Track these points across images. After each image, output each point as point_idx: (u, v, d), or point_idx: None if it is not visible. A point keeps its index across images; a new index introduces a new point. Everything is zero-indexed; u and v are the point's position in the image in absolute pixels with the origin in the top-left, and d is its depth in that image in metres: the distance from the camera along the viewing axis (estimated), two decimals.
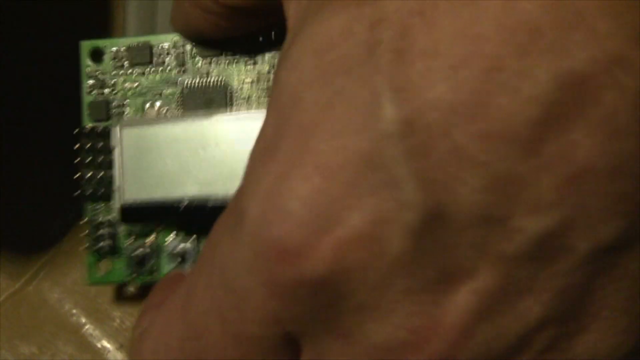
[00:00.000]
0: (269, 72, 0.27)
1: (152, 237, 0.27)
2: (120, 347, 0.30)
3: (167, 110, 0.27)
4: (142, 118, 0.27)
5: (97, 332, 0.30)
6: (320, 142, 0.18)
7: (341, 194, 0.18)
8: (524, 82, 0.17)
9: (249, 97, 0.27)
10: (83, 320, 0.30)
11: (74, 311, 0.30)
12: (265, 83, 0.27)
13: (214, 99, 0.27)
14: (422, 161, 0.17)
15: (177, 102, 0.27)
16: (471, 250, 0.18)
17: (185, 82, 0.27)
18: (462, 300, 0.18)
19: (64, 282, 0.30)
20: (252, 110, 0.27)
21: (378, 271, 0.18)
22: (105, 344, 0.30)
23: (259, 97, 0.27)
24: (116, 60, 0.27)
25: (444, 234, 0.18)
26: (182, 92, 0.27)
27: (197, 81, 0.27)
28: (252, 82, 0.27)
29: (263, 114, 0.26)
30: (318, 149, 0.18)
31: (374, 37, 0.18)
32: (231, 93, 0.27)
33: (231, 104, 0.27)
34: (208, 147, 0.26)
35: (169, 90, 0.27)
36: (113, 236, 0.27)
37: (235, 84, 0.27)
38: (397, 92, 0.17)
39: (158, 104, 0.27)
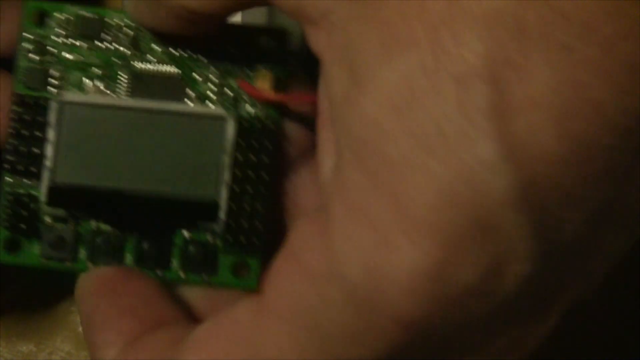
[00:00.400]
0: (227, 69, 0.25)
1: (72, 224, 0.25)
2: None
3: (110, 91, 0.25)
4: (87, 96, 0.25)
5: None
6: (428, 210, 0.18)
7: (458, 262, 0.18)
8: (631, 121, 0.17)
9: (205, 94, 0.25)
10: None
11: (72, 309, 0.30)
12: (224, 81, 0.25)
13: (167, 90, 0.25)
14: (538, 215, 0.18)
15: (125, 86, 0.25)
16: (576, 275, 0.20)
17: (139, 67, 0.25)
18: (553, 322, 0.21)
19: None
20: (208, 108, 0.25)
21: (488, 316, 0.19)
22: None
23: (215, 95, 0.25)
24: (62, 28, 0.25)
25: (552, 273, 0.19)
26: (133, 76, 0.25)
27: (151, 68, 0.25)
28: (210, 79, 0.25)
29: (220, 113, 0.24)
30: (433, 220, 0.18)
31: (465, 96, 0.17)
32: (186, 87, 0.25)
33: (185, 98, 0.25)
34: (155, 140, 0.24)
35: (114, 71, 0.25)
36: (32, 216, 0.25)
37: (192, 77, 0.25)
38: (506, 158, 0.17)
39: (100, 84, 0.25)
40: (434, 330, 0.19)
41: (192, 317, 0.24)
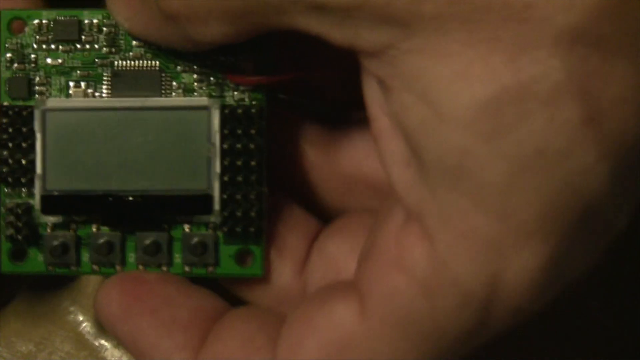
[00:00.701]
0: (208, 57, 0.24)
1: (72, 228, 0.25)
2: (118, 345, 0.30)
3: (95, 92, 0.25)
4: (68, 100, 0.25)
5: (94, 330, 0.29)
6: (536, 222, 0.19)
7: (565, 259, 0.20)
8: None
9: (189, 85, 0.25)
10: (80, 317, 0.30)
11: (71, 309, 0.29)
12: (207, 69, 0.25)
13: (146, 84, 0.25)
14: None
15: (106, 84, 0.25)
16: None
17: (116, 64, 0.25)
18: None
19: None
20: (190, 99, 0.25)
21: None
22: (103, 341, 0.30)
23: (194, 86, 0.25)
24: (39, 34, 0.25)
25: None
26: (112, 74, 0.25)
27: (128, 64, 0.25)
28: (193, 69, 0.25)
29: (203, 103, 0.24)
30: (535, 228, 0.19)
31: (557, 114, 0.18)
32: (170, 79, 0.25)
33: (164, 91, 0.25)
34: (141, 137, 0.24)
35: (98, 71, 0.25)
36: (31, 224, 0.25)
37: (174, 70, 0.25)
38: (605, 157, 0.19)
39: (83, 84, 0.25)
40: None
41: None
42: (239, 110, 0.24)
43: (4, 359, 0.29)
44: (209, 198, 0.24)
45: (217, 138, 0.24)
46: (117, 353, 0.29)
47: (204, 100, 0.24)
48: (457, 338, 0.20)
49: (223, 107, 0.24)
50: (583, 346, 0.30)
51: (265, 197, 0.24)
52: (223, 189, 0.24)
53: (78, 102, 0.25)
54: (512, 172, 0.19)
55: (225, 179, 0.24)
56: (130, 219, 0.25)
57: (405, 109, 0.19)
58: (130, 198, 0.24)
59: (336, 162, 0.26)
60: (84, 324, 0.30)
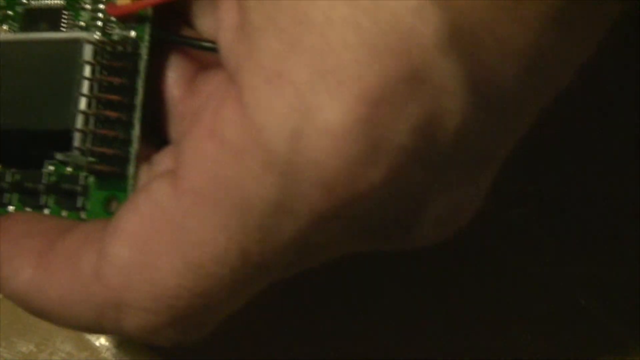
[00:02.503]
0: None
1: None
2: (119, 345, 0.30)
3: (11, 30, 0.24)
4: None
5: None
6: (354, 64, 0.17)
7: (388, 119, 0.17)
8: None
9: (80, 22, 0.24)
10: None
11: None
12: (96, 6, 0.24)
13: (55, 23, 0.24)
14: (471, 64, 0.17)
15: (19, 23, 0.24)
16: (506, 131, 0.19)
17: (33, 4, 0.24)
18: (488, 180, 0.20)
19: None
20: (64, 33, 0.24)
21: (428, 177, 0.18)
22: (103, 341, 0.30)
23: (88, 22, 0.24)
24: None
25: (486, 125, 0.18)
26: (27, 13, 0.24)
27: (43, 3, 0.24)
28: (85, 7, 0.24)
29: (75, 36, 0.24)
30: (356, 74, 0.17)
31: None
32: (67, 17, 0.24)
33: (64, 29, 0.24)
34: (18, 72, 0.24)
35: (15, 10, 0.25)
36: None
37: (75, 7, 0.24)
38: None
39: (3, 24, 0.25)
40: (364, 198, 0.18)
41: None
42: (112, 45, 0.24)
43: (4, 359, 0.29)
44: (67, 134, 0.23)
45: (86, 72, 0.23)
46: (117, 354, 0.30)
47: (76, 34, 0.24)
48: (265, 212, 0.18)
49: (99, 41, 0.24)
50: (583, 346, 0.30)
51: (136, 139, 0.23)
52: (90, 125, 0.23)
53: None
54: (333, 5, 0.17)
55: (92, 116, 0.23)
56: (11, 156, 0.24)
57: None
58: (3, 133, 0.24)
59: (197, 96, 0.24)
60: None
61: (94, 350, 0.30)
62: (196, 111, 0.23)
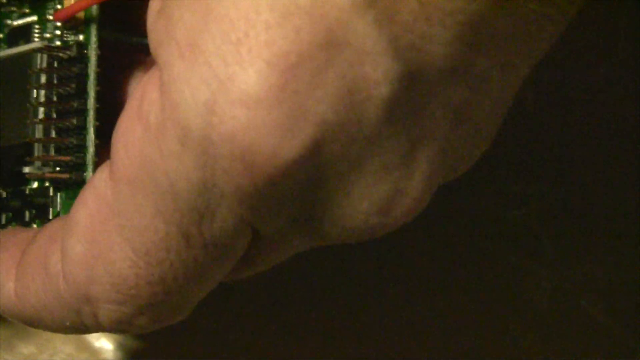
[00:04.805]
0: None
1: None
2: (119, 346, 0.30)
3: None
4: None
5: None
6: (265, 29, 0.16)
7: (305, 87, 0.16)
8: None
9: (46, 35, 0.24)
10: None
11: None
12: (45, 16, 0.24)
13: (23, 36, 0.24)
14: (392, 27, 0.16)
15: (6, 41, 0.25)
16: (439, 108, 0.17)
17: (15, 24, 0.24)
18: (424, 168, 0.18)
19: None
20: (20, 46, 0.24)
21: (354, 156, 0.17)
22: (104, 343, 0.30)
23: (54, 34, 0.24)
24: None
25: (416, 99, 0.17)
26: (10, 32, 0.24)
27: (22, 22, 0.24)
28: (49, 19, 0.24)
29: (28, 48, 0.24)
30: (267, 39, 0.16)
31: None
32: (37, 30, 0.24)
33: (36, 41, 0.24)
34: None
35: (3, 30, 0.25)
36: None
37: (40, 21, 0.24)
38: None
39: None
40: (285, 173, 0.17)
41: None
42: (58, 51, 0.23)
43: None
44: (28, 146, 0.23)
45: (35, 81, 0.23)
46: (118, 355, 0.30)
47: (24, 47, 0.24)
48: (193, 191, 0.17)
49: (47, 50, 0.23)
50: (583, 347, 0.30)
51: (91, 143, 0.23)
52: (44, 136, 0.23)
53: None
54: None
55: (47, 126, 0.23)
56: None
57: None
58: None
59: None
60: None
61: (94, 351, 0.30)
62: None
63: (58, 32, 0.24)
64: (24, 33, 0.24)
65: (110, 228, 0.19)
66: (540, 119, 0.32)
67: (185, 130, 0.17)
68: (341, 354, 0.30)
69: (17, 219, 0.24)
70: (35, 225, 0.24)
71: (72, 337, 0.30)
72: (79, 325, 0.21)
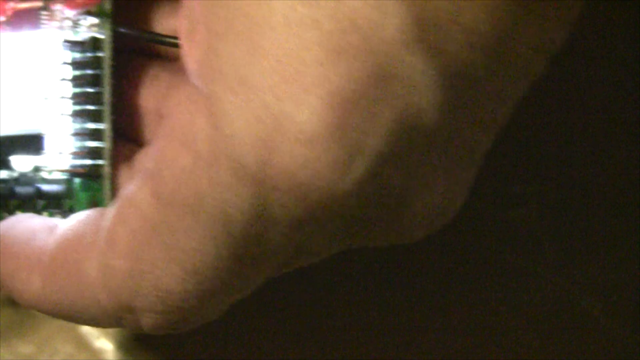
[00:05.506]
0: None
1: None
2: (119, 346, 0.30)
3: None
4: None
5: (95, 331, 0.29)
6: (317, 67, 0.16)
7: (359, 122, 0.17)
8: None
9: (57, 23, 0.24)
10: None
11: None
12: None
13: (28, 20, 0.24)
14: (440, 58, 0.17)
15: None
16: (476, 122, 0.19)
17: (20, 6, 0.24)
18: (465, 176, 0.20)
19: None
20: (31, 35, 0.24)
21: (404, 177, 0.18)
22: (104, 342, 0.30)
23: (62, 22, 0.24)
24: None
25: (459, 120, 0.18)
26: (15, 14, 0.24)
27: (27, 5, 0.24)
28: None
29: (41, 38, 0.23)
30: (321, 76, 0.17)
31: None
32: (45, 16, 0.24)
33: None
34: None
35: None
36: None
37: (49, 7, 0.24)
38: None
39: None
40: (340, 202, 0.18)
41: None
42: (75, 44, 0.23)
43: None
44: (38, 138, 0.24)
45: (53, 73, 0.24)
46: (118, 355, 0.30)
47: (44, 35, 0.24)
48: (246, 221, 0.18)
49: (66, 42, 0.24)
50: (584, 347, 0.30)
51: (108, 138, 0.24)
52: (62, 129, 0.24)
53: None
54: (288, 6, 0.16)
55: (64, 118, 0.24)
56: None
57: None
58: None
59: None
60: (85, 326, 0.30)
61: (94, 351, 0.30)
62: (168, 115, 0.23)
63: (68, 21, 0.24)
64: (28, 17, 0.24)
65: (155, 246, 0.19)
66: (540, 119, 0.32)
67: (240, 164, 0.17)
68: (341, 354, 0.30)
69: (26, 207, 0.24)
70: (45, 214, 0.24)
71: (72, 337, 0.29)
72: (116, 326, 0.21)
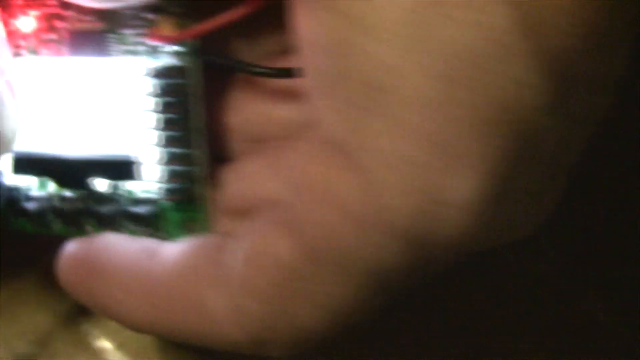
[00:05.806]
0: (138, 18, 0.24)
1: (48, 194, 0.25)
2: (119, 346, 0.30)
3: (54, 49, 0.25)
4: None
5: (95, 331, 0.30)
6: (468, 141, 0.17)
7: (510, 187, 0.18)
8: None
9: (129, 48, 0.24)
10: (81, 318, 0.30)
11: (73, 310, 0.30)
12: (141, 32, 0.24)
13: (101, 47, 0.24)
14: (567, 120, 0.18)
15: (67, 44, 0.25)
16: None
17: (76, 26, 0.24)
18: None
19: None
20: (122, 63, 0.24)
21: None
22: (104, 342, 0.30)
23: (136, 47, 0.24)
24: None
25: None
26: (72, 34, 0.24)
27: (85, 26, 0.24)
28: (130, 33, 0.24)
29: (133, 66, 0.24)
30: (478, 151, 0.18)
31: (485, 19, 0.17)
32: (116, 42, 0.24)
33: (110, 53, 0.24)
34: (84, 99, 0.24)
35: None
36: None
37: (118, 32, 0.24)
38: (540, 68, 0.17)
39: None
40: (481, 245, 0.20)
41: None
42: (167, 72, 0.24)
43: None
44: (130, 164, 0.24)
45: (147, 101, 0.24)
46: (118, 355, 0.30)
47: (134, 64, 0.24)
48: (397, 273, 0.20)
49: (154, 70, 0.24)
50: (583, 346, 0.30)
51: (204, 160, 0.24)
52: (157, 155, 0.24)
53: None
54: (435, 85, 0.17)
55: (155, 144, 0.24)
56: (78, 182, 0.24)
57: (320, 26, 0.18)
58: (69, 162, 0.24)
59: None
60: (85, 325, 0.30)
61: (94, 351, 0.30)
62: (268, 139, 0.24)
63: (145, 47, 0.24)
64: (89, 40, 0.24)
65: (295, 292, 0.20)
66: None
67: (395, 228, 0.19)
68: (341, 354, 0.30)
69: (109, 225, 0.24)
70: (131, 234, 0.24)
71: (72, 337, 0.30)
72: (242, 352, 0.22)
